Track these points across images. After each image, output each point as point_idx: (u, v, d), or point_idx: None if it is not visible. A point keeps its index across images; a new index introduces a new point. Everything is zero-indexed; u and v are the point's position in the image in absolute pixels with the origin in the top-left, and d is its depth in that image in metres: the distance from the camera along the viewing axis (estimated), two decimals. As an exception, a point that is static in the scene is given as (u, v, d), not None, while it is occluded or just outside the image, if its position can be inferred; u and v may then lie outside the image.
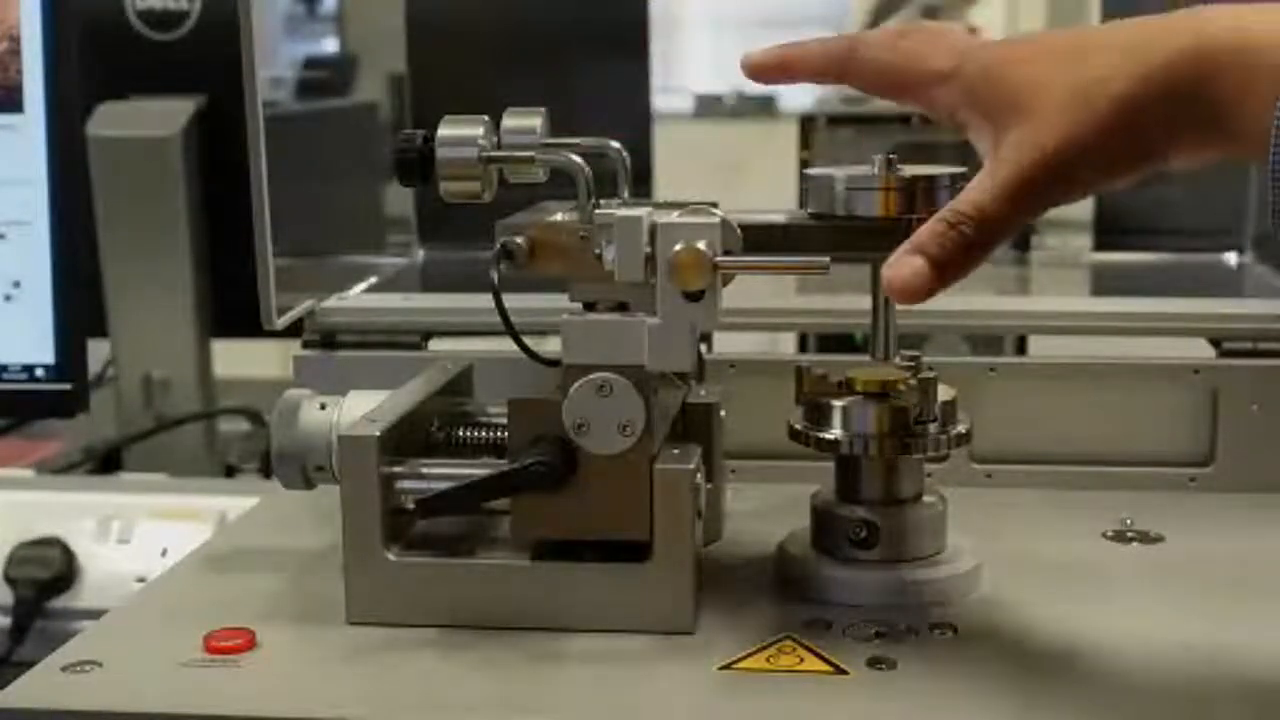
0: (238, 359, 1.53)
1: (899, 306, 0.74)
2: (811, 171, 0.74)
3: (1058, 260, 1.58)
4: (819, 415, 0.74)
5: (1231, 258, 1.39)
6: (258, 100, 0.90)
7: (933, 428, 0.73)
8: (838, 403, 0.74)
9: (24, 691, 0.65)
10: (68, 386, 0.98)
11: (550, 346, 0.74)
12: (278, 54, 2.00)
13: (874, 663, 0.66)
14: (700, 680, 0.65)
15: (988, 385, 0.93)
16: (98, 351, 1.37)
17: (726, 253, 0.67)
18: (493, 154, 0.73)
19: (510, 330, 0.72)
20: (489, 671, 0.66)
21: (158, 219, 1.38)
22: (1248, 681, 0.65)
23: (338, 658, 0.68)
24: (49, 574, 1.03)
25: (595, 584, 0.70)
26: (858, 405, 0.73)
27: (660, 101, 1.97)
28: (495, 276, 0.71)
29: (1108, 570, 0.79)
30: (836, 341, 1.16)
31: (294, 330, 0.98)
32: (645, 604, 0.69)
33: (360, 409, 0.75)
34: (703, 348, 0.87)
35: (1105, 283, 1.47)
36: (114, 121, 1.37)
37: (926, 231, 0.63)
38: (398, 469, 0.72)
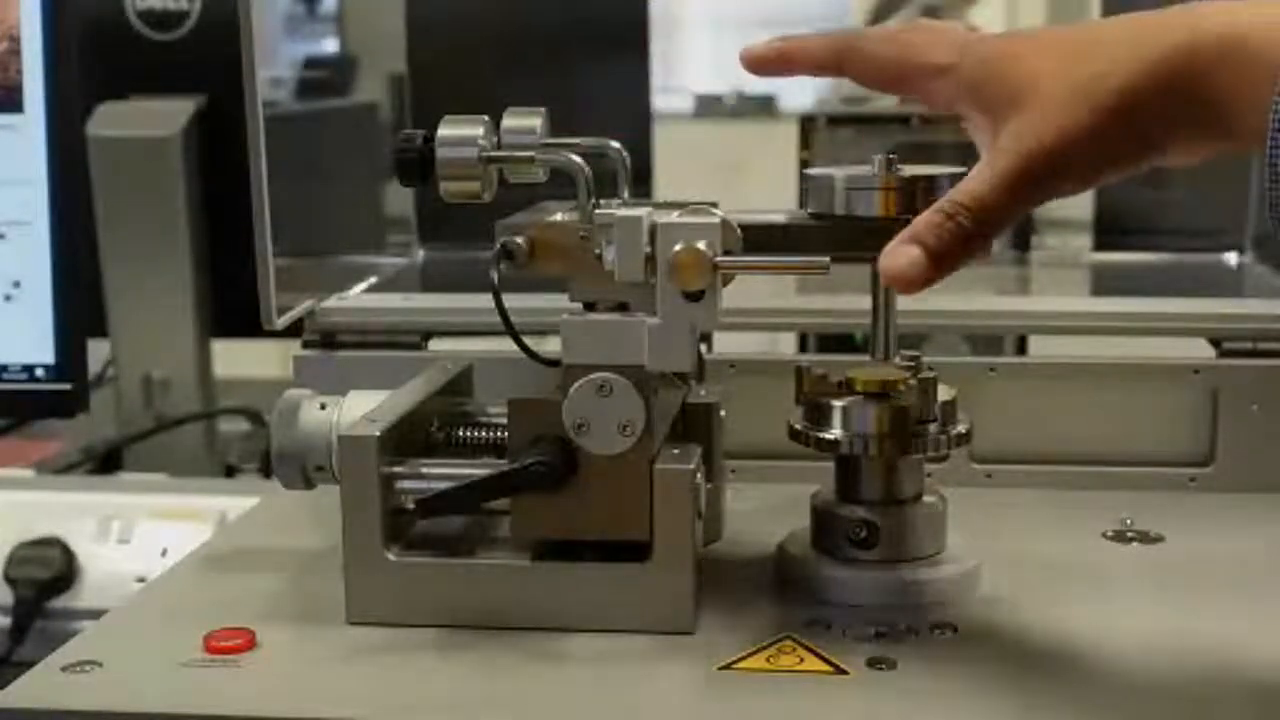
0: (238, 359, 1.53)
1: (899, 306, 0.74)
2: (811, 171, 0.74)
3: (1058, 260, 1.58)
4: (819, 415, 0.74)
5: (1231, 258, 1.39)
6: (258, 100, 0.90)
7: (933, 428, 0.73)
8: (838, 403, 0.74)
9: (24, 691, 0.65)
10: (68, 386, 0.98)
11: (550, 346, 0.74)
12: (278, 54, 1.99)
13: (874, 663, 0.66)
14: (700, 680, 0.65)
15: (988, 385, 0.93)
16: (98, 351, 1.37)
17: (726, 253, 0.67)
18: (493, 154, 0.73)
19: (510, 330, 0.72)
20: (489, 671, 0.66)
21: (158, 219, 1.38)
22: (1248, 681, 0.65)
23: (338, 658, 0.68)
24: (49, 574, 1.03)
25: (595, 584, 0.70)
26: (858, 405, 0.73)
27: (660, 101, 1.97)
28: (495, 276, 0.71)
29: (1108, 570, 0.79)
30: (836, 341, 1.16)
31: (294, 330, 0.98)
32: (645, 604, 0.69)
33: (360, 409, 0.75)
34: (703, 348, 0.87)
35: (1105, 283, 1.47)
36: (114, 121, 1.37)
37: (923, 222, 0.63)
38: (398, 469, 0.72)
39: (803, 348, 1.33)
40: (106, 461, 1.35)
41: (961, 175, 0.65)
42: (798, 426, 0.75)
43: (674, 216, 0.68)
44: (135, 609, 0.76)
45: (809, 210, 0.73)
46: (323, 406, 0.77)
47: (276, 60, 1.89)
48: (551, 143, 0.75)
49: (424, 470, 0.73)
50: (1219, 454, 0.93)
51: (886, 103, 1.97)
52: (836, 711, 0.62)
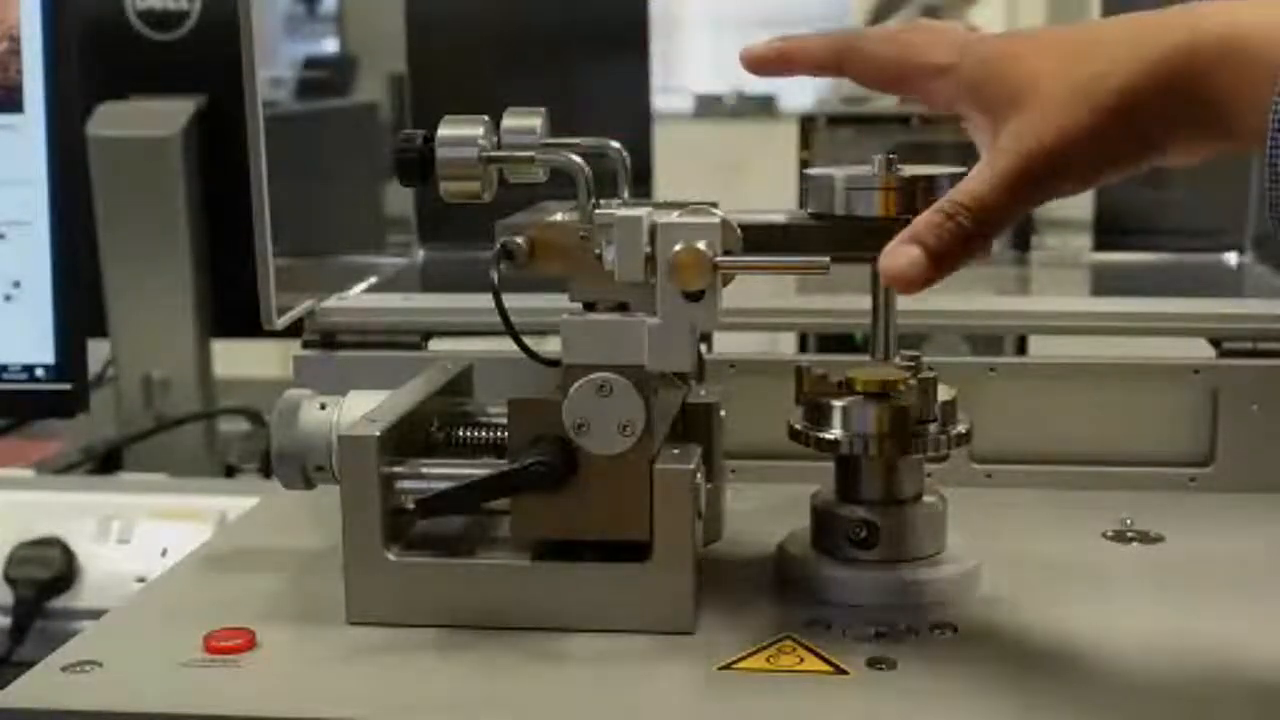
0: (238, 359, 1.53)
1: (899, 306, 0.74)
2: (811, 171, 0.74)
3: (1058, 260, 1.58)
4: (819, 415, 0.74)
5: (1231, 258, 1.39)
6: (258, 100, 0.90)
7: (933, 428, 0.73)
8: (838, 403, 0.74)
9: (24, 691, 0.65)
10: (68, 386, 0.98)
11: (550, 346, 0.74)
12: (278, 54, 1.99)
13: (874, 663, 0.66)
14: (700, 680, 0.65)
15: (988, 385, 0.93)
16: (98, 351, 1.37)
17: (726, 253, 0.67)
18: (493, 154, 0.73)
19: (510, 330, 0.72)
20: (489, 671, 0.66)
21: (158, 219, 1.38)
22: (1248, 681, 0.65)
23: (338, 658, 0.68)
24: (49, 574, 1.03)
25: (595, 584, 0.70)
26: (858, 405, 0.73)
27: (660, 101, 1.97)
28: (495, 276, 0.71)
29: (1108, 570, 0.79)
30: (836, 341, 1.16)
31: (294, 330, 0.98)
32: (645, 604, 0.69)
33: (360, 409, 0.75)
34: (703, 348, 0.87)
35: (1105, 283, 1.47)
36: (114, 121, 1.37)
37: (923, 221, 0.63)
38: (398, 469, 0.72)
39: (803, 348, 1.33)
40: (106, 461, 1.35)
41: (961, 175, 0.65)
42: (798, 426, 0.75)
43: (674, 216, 0.68)
44: (135, 609, 0.76)
45: (809, 210, 0.73)
46: (323, 406, 0.77)
47: (276, 60, 1.89)
48: (551, 143, 0.75)
49: (424, 470, 0.73)
50: (1219, 454, 0.93)
51: (886, 103, 1.97)
52: (836, 711, 0.62)
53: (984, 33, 0.69)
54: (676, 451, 0.71)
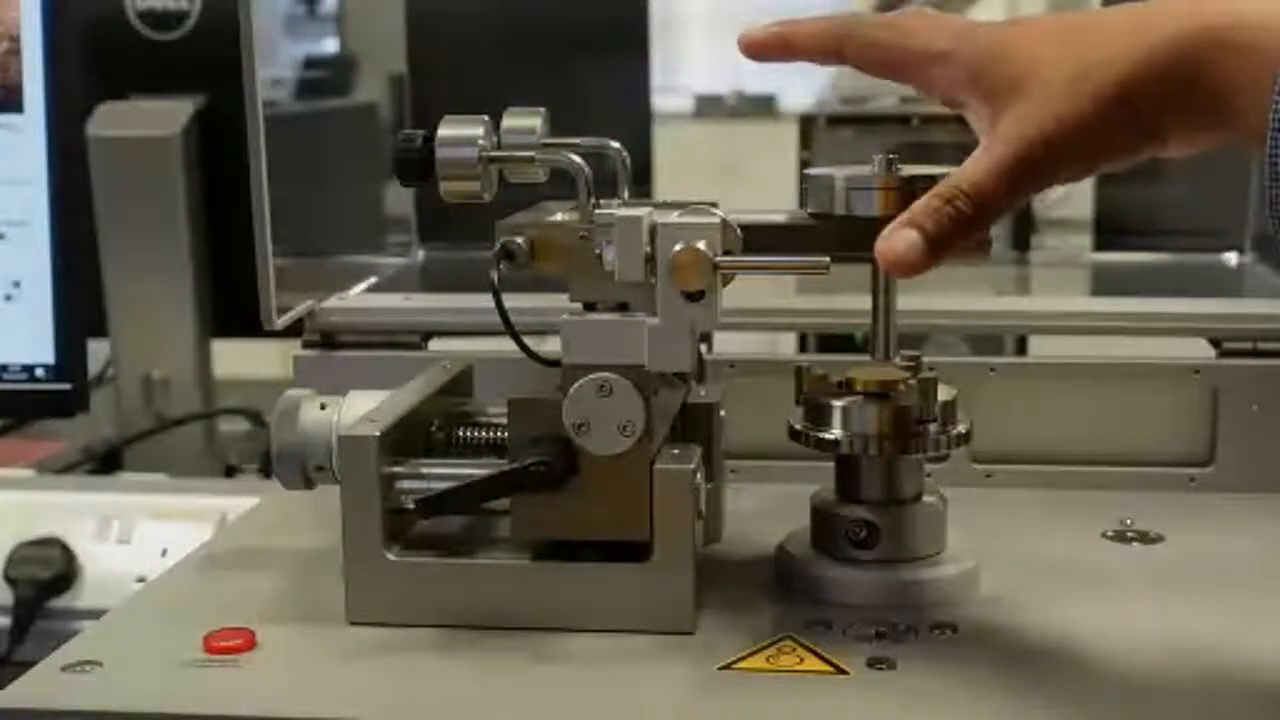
0: (238, 359, 1.53)
1: (899, 306, 0.74)
2: (811, 171, 0.74)
3: (1058, 260, 1.58)
4: (819, 415, 0.74)
5: (1231, 258, 1.39)
6: (258, 100, 0.90)
7: (933, 428, 0.73)
8: (838, 403, 0.74)
9: (24, 691, 0.65)
10: (68, 386, 0.98)
11: (550, 346, 0.74)
12: (278, 54, 1.99)
13: (874, 663, 0.66)
14: (700, 680, 0.65)
15: (988, 385, 0.93)
16: (98, 351, 1.37)
17: (726, 253, 0.67)
18: (493, 154, 0.73)
19: (510, 330, 0.72)
20: (489, 671, 0.66)
21: (158, 219, 1.38)
22: (1249, 681, 0.65)
23: (338, 658, 0.68)
24: (49, 574, 1.03)
25: (595, 584, 0.70)
26: (858, 405, 0.73)
27: (660, 101, 1.97)
28: (495, 276, 0.71)
29: (1108, 570, 0.79)
30: (836, 341, 1.16)
31: (294, 330, 0.98)
32: (645, 604, 0.69)
33: (360, 409, 0.75)
34: (703, 348, 0.87)
35: (1105, 283, 1.47)
36: (114, 121, 1.37)
37: (921, 206, 0.63)
38: (398, 469, 0.72)
39: (803, 348, 1.34)
40: (106, 461, 1.35)
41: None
42: (798, 426, 0.75)
43: (674, 216, 0.68)
44: (135, 609, 0.76)
45: (809, 210, 0.73)
46: (323, 406, 0.77)
47: (276, 60, 1.89)
48: (551, 143, 0.75)
49: (424, 470, 0.73)
50: (1219, 454, 0.93)
51: (886, 103, 1.98)
52: (836, 711, 0.62)
53: (984, 20, 0.69)
54: (676, 451, 0.71)
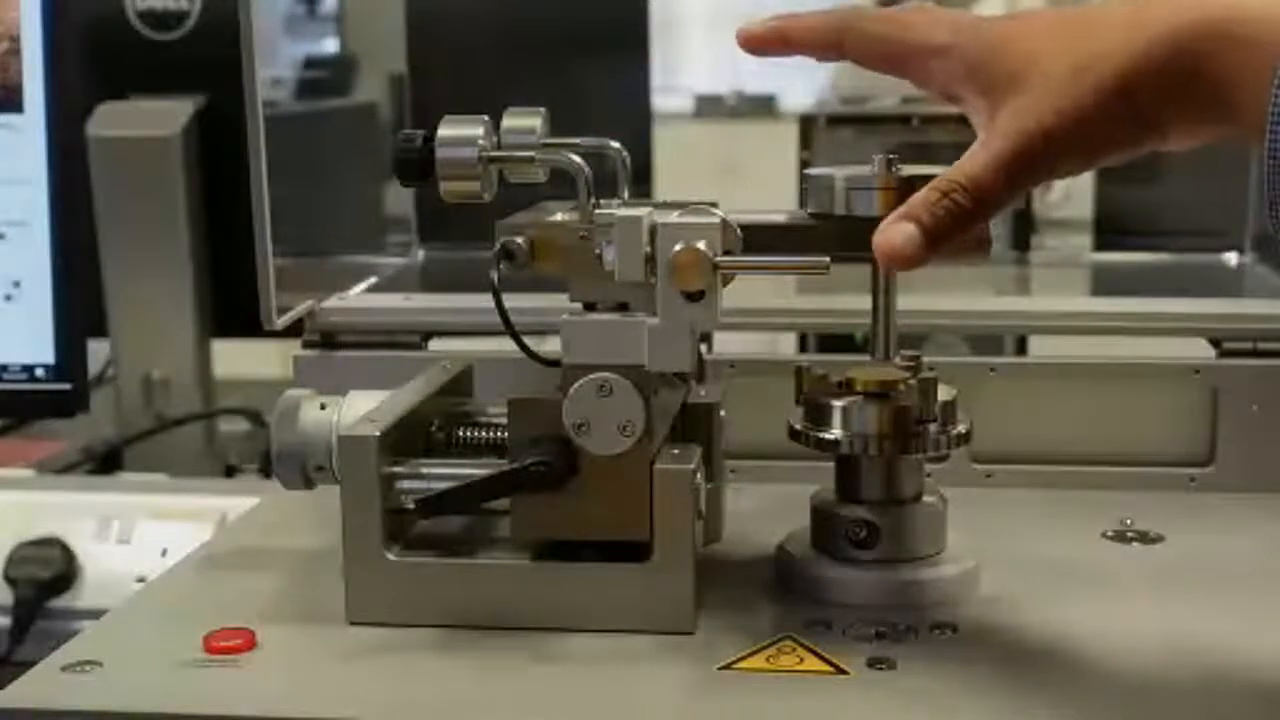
0: (238, 359, 1.53)
1: (899, 306, 0.74)
2: (811, 171, 0.74)
3: (1058, 260, 1.58)
4: (819, 415, 0.74)
5: (1231, 258, 1.39)
6: (258, 100, 0.90)
7: (933, 428, 0.73)
8: (838, 403, 0.74)
9: (24, 691, 0.65)
10: (68, 386, 0.98)
11: (550, 346, 0.74)
12: (278, 54, 2.00)
13: (874, 663, 0.66)
14: (700, 680, 0.65)
15: (988, 385, 0.93)
16: (98, 351, 1.37)
17: (726, 253, 0.67)
18: (493, 154, 0.73)
19: (510, 330, 0.72)
20: (489, 671, 0.66)
21: (158, 219, 1.38)
22: (1249, 682, 0.65)
23: (338, 658, 0.68)
24: (49, 574, 1.03)
25: (595, 584, 0.70)
26: (858, 405, 0.73)
27: (660, 101, 1.97)
28: (495, 276, 0.71)
29: (1108, 570, 0.79)
30: (836, 341, 1.16)
31: (294, 330, 0.98)
32: (645, 604, 0.69)
33: (360, 409, 0.75)
34: (703, 348, 0.87)
35: (1105, 283, 1.47)
36: (114, 121, 1.37)
37: (919, 199, 0.63)
38: (398, 469, 0.72)
39: (803, 348, 1.33)
40: (106, 461, 1.35)
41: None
42: (798, 426, 0.75)
43: (674, 216, 0.68)
44: (135, 609, 0.76)
45: (809, 210, 0.73)
46: (323, 406, 0.77)
47: (276, 60, 1.89)
48: (551, 143, 0.75)
49: (424, 470, 0.73)
50: (1219, 454, 0.93)
51: (887, 103, 1.98)
52: (836, 711, 0.62)
53: (983, 15, 0.69)
54: (676, 451, 0.71)
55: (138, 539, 1.05)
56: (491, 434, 0.77)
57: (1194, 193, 1.42)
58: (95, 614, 0.84)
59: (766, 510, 0.84)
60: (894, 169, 0.71)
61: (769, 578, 0.77)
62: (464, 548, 0.73)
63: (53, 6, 0.95)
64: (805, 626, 0.70)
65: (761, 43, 0.70)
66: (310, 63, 2.09)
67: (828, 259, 0.67)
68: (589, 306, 0.71)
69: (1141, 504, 0.88)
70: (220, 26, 1.24)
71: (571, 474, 0.69)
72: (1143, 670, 0.66)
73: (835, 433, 0.74)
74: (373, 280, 1.14)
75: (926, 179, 0.69)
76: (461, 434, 0.77)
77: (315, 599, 0.74)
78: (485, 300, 0.72)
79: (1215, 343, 0.95)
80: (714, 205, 0.71)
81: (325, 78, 1.96)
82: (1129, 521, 0.85)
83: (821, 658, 0.67)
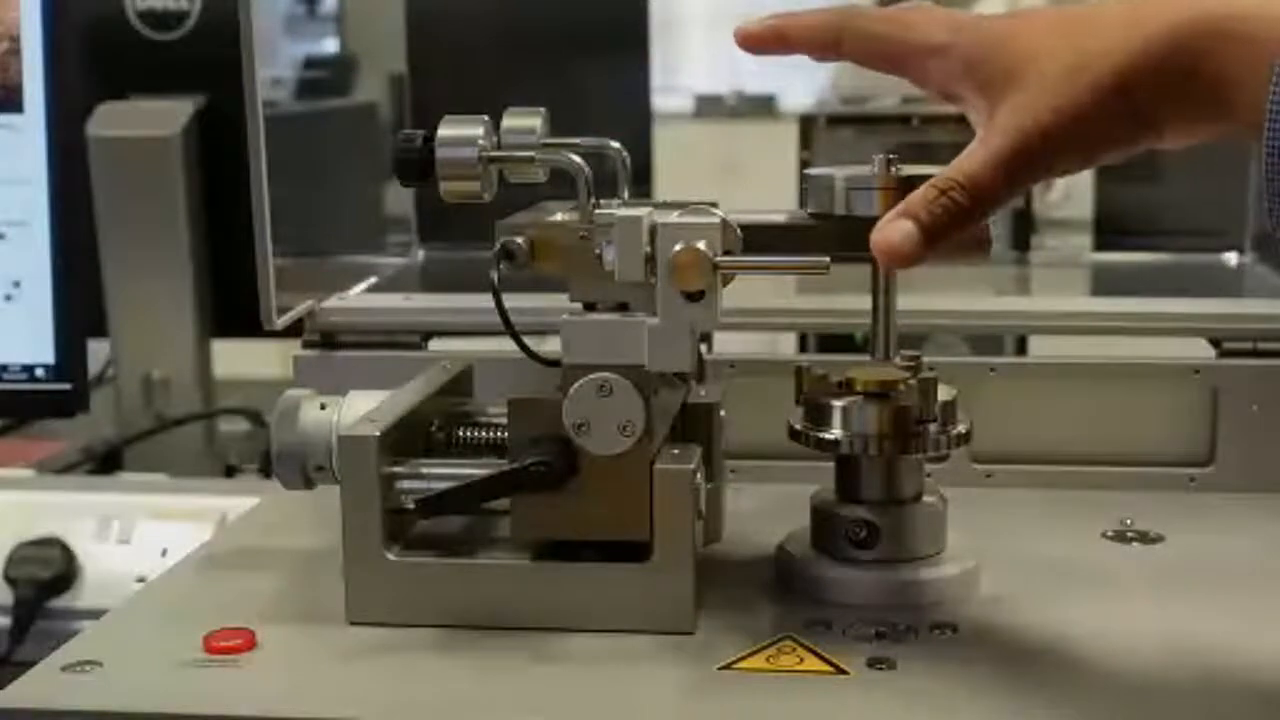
0: (238, 359, 1.53)
1: (899, 306, 0.74)
2: (811, 171, 0.74)
3: (1058, 260, 1.58)
4: (819, 415, 0.74)
5: (1231, 258, 1.39)
6: (258, 100, 0.90)
7: (933, 428, 0.73)
8: (838, 403, 0.74)
9: (24, 691, 0.65)
10: (68, 386, 0.98)
11: (550, 346, 0.74)
12: (278, 54, 2.00)
13: (874, 663, 0.66)
14: (700, 680, 0.65)
15: (988, 385, 0.93)
16: (98, 351, 1.37)
17: (726, 253, 0.67)
18: (493, 154, 0.73)
19: (510, 330, 0.72)
20: (489, 671, 0.66)
21: (158, 219, 1.38)
22: (1249, 682, 0.65)
23: (338, 658, 0.68)
24: (49, 574, 1.03)
25: (595, 584, 0.70)
26: (858, 405, 0.73)
27: (660, 101, 1.97)
28: (495, 276, 0.71)
29: (1108, 570, 0.79)
30: (836, 341, 1.16)
31: (294, 330, 0.98)
32: (645, 604, 0.69)
33: (360, 409, 0.75)
34: (703, 348, 0.87)
35: (1105, 283, 1.47)
36: (114, 121, 1.37)
37: (917, 197, 0.63)
38: (398, 469, 0.72)
39: (803, 348, 1.33)
40: (106, 461, 1.35)
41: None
42: (798, 426, 0.75)
43: (674, 216, 0.68)
44: (135, 609, 0.76)
45: (809, 210, 0.73)
46: (323, 406, 0.77)
47: (276, 60, 1.89)
48: (551, 143, 0.75)
49: (424, 470, 0.73)
50: (1219, 454, 0.93)
51: (887, 103, 1.98)
52: (836, 711, 0.62)
53: (981, 13, 0.69)
54: (676, 451, 0.71)
55: (138, 539, 1.05)
56: (491, 434, 0.77)
57: (1194, 193, 1.42)
58: (95, 614, 0.84)
59: (766, 510, 0.84)
60: (894, 169, 0.71)
61: (769, 578, 0.77)
62: (464, 548, 0.73)
63: (53, 6, 0.95)
64: (805, 626, 0.70)
65: (760, 42, 0.70)
66: (310, 63, 2.09)
67: (828, 259, 0.67)
68: (589, 306, 0.71)
69: (1141, 504, 0.88)
70: (220, 26, 1.24)
71: (571, 474, 0.69)
72: (1142, 670, 0.66)
73: (835, 433, 0.74)
74: (373, 280, 1.14)
75: (926, 179, 0.69)
76: (461, 434, 0.77)
77: (315, 599, 0.74)
78: (485, 300, 0.72)
79: (1215, 343, 0.95)
80: (714, 205, 0.71)
81: (325, 78, 1.96)
82: (1129, 521, 0.85)
83: (821, 658, 0.67)
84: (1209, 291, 1.24)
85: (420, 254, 1.46)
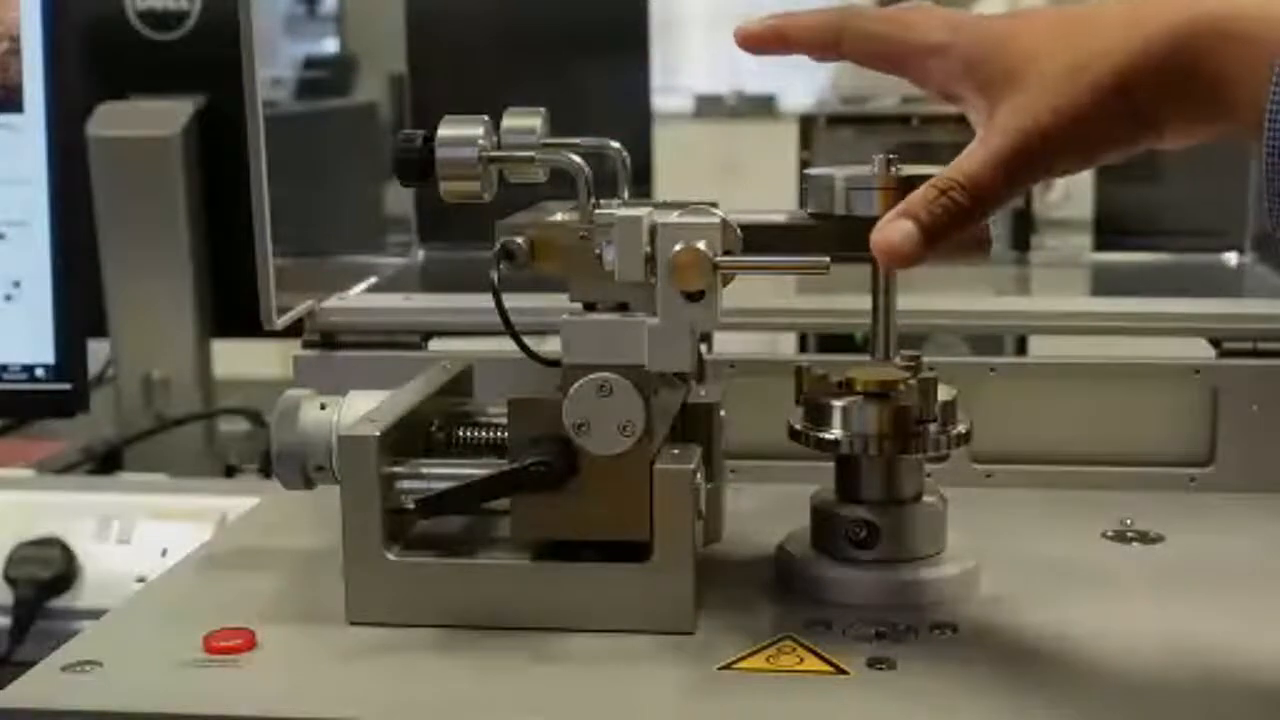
0: (238, 359, 1.53)
1: (899, 306, 0.74)
2: (811, 171, 0.74)
3: (1058, 260, 1.58)
4: (819, 415, 0.74)
5: (1231, 258, 1.39)
6: (258, 100, 0.90)
7: (933, 428, 0.73)
8: (838, 403, 0.74)
9: (24, 691, 0.65)
10: (68, 386, 0.98)
11: (550, 346, 0.74)
12: (278, 54, 2.00)
13: (874, 663, 0.66)
14: (700, 680, 0.65)
15: (988, 385, 0.93)
16: (98, 351, 1.37)
17: (726, 253, 0.67)
18: (493, 154, 0.73)
19: (510, 330, 0.72)
20: (489, 671, 0.66)
21: (158, 219, 1.38)
22: (1249, 681, 0.65)
23: (338, 658, 0.68)
24: (49, 574, 1.03)
25: (595, 584, 0.70)
26: (858, 405, 0.73)
27: (660, 101, 1.97)
28: (495, 276, 0.71)
29: (1108, 570, 0.79)
30: (836, 341, 1.16)
31: (294, 330, 0.98)
32: (645, 604, 0.69)
33: (360, 409, 0.75)
34: (703, 348, 0.87)
35: (1105, 283, 1.47)
36: (114, 121, 1.37)
37: (917, 197, 0.63)
38: (398, 469, 0.72)
39: (803, 348, 1.33)
40: (106, 461, 1.35)
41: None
42: (798, 426, 0.75)
43: (674, 216, 0.68)
44: (135, 609, 0.76)
45: (809, 210, 0.73)
46: (323, 406, 0.77)
47: (276, 60, 1.89)
48: (551, 143, 0.75)
49: (424, 470, 0.73)
50: (1219, 454, 0.93)
51: (887, 103, 1.98)
52: (836, 711, 0.62)
53: (981, 13, 0.69)
54: (676, 451, 0.71)
55: (138, 539, 1.05)
56: (491, 434, 0.77)
57: (1194, 193, 1.42)
58: (95, 614, 0.84)
59: (766, 510, 0.84)
60: (894, 169, 0.71)
61: (769, 578, 0.77)
62: (464, 548, 0.73)
63: (53, 6, 0.95)
64: (805, 626, 0.70)
65: (759, 41, 0.70)
66: (310, 63, 2.09)
67: (828, 259, 0.67)
68: (589, 306, 0.71)
69: (1141, 504, 0.88)
70: (220, 26, 1.24)
71: (571, 474, 0.69)
72: (1142, 670, 0.66)
73: (835, 433, 0.74)
74: (373, 280, 1.14)
75: (926, 179, 0.69)
76: (461, 434, 0.77)
77: (315, 599, 0.74)
78: (485, 300, 0.72)
79: (1215, 343, 0.95)
80: (714, 205, 0.71)
81: (325, 78, 1.96)
82: (1129, 521, 0.85)
83: (821, 658, 0.67)
84: (1209, 291, 1.24)
85: (420, 254, 1.46)
